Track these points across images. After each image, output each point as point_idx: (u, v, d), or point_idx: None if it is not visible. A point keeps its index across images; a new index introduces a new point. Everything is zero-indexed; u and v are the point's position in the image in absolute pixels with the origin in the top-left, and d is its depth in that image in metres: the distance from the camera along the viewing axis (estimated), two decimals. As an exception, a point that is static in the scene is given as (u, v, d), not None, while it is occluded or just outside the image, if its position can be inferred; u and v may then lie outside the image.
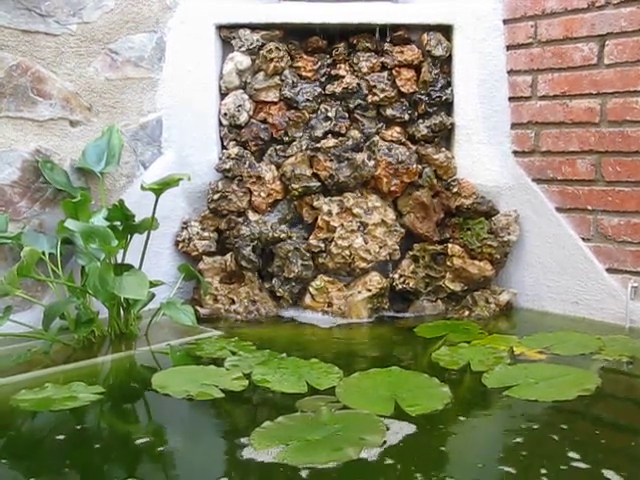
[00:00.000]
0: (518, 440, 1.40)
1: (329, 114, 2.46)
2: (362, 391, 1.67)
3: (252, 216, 2.45)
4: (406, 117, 2.49)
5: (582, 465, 1.28)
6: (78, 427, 1.51)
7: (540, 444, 1.38)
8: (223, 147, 2.53)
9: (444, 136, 2.54)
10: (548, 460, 1.30)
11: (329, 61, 2.51)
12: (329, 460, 1.30)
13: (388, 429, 1.43)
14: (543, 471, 1.26)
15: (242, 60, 2.48)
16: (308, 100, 2.47)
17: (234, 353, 1.96)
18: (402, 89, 2.47)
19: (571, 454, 1.33)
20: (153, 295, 2.19)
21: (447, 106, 2.52)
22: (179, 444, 1.42)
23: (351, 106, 2.48)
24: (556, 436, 1.41)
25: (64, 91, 2.26)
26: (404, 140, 2.48)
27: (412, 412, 1.52)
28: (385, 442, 1.37)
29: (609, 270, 2.26)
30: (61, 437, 1.44)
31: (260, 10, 2.47)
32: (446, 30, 2.49)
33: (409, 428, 1.44)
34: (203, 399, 1.63)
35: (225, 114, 2.49)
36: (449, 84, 2.50)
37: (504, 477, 1.25)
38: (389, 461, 1.30)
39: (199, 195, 2.50)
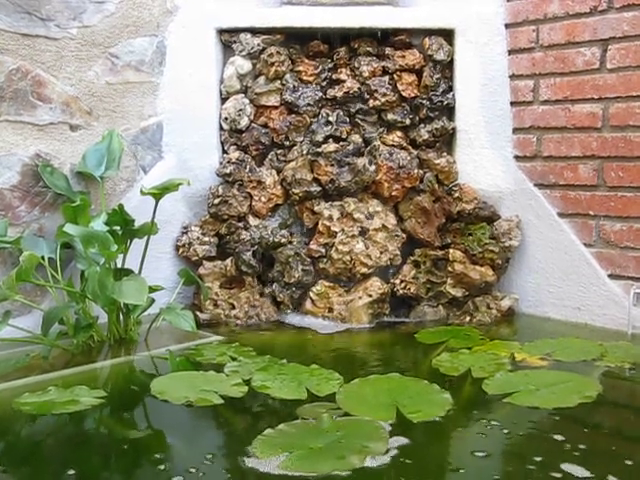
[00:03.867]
0: (520, 447, 1.39)
1: (330, 118, 2.46)
2: (363, 398, 1.65)
3: (252, 221, 2.45)
4: (407, 122, 2.48)
5: (583, 474, 1.27)
6: (78, 430, 1.51)
7: (540, 451, 1.37)
8: (224, 151, 2.53)
9: (445, 141, 2.53)
10: (549, 467, 1.29)
11: (330, 65, 2.51)
12: (334, 469, 1.28)
13: (391, 436, 1.42)
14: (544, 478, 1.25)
15: (243, 64, 2.48)
16: (309, 104, 2.46)
17: (234, 359, 1.95)
18: (403, 93, 2.47)
19: (572, 462, 1.31)
20: (153, 300, 2.18)
21: (449, 111, 2.51)
22: (180, 451, 1.41)
23: (352, 110, 2.48)
24: (557, 443, 1.40)
25: (64, 95, 2.25)
26: (405, 145, 2.47)
27: (414, 419, 1.51)
28: (389, 450, 1.36)
29: (611, 276, 2.25)
30: (62, 440, 1.44)
31: (261, 14, 2.47)
32: (448, 34, 2.48)
33: (412, 435, 1.43)
34: (202, 405, 1.62)
35: (226, 118, 2.48)
36: (450, 88, 2.50)
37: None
38: (394, 469, 1.29)
39: (199, 200, 2.49)
